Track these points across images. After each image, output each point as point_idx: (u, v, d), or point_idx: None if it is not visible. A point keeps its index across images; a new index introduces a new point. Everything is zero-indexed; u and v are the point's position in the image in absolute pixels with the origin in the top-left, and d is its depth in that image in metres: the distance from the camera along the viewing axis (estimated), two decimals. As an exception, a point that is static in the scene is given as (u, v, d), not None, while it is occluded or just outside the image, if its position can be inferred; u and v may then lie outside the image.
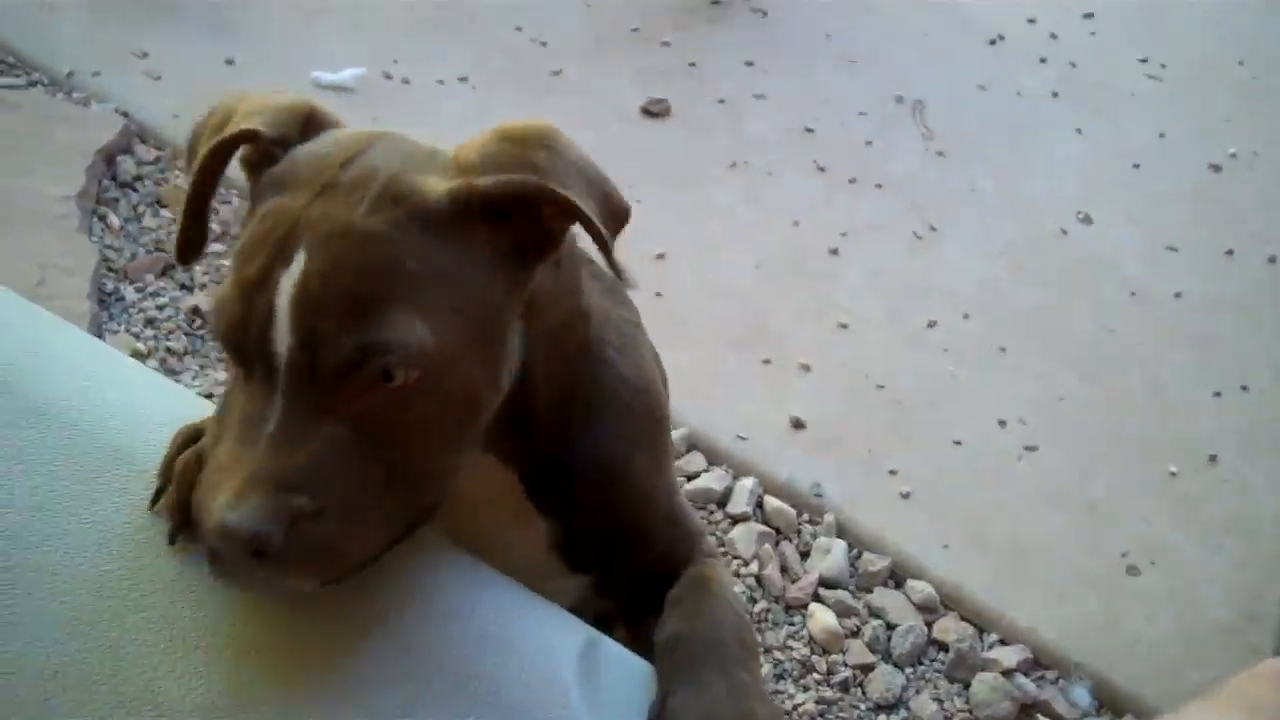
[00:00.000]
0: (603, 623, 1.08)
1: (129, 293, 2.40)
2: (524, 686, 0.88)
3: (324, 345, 0.80)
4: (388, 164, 0.86)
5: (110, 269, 2.44)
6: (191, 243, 0.95)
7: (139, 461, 0.95)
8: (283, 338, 0.80)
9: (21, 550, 0.89)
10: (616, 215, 0.91)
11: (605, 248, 0.88)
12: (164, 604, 0.88)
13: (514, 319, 0.91)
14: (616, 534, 1.10)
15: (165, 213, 2.58)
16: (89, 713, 0.82)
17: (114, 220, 2.54)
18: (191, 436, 0.95)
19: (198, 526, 0.82)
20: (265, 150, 0.90)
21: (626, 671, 0.95)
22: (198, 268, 2.48)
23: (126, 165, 2.65)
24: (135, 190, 2.62)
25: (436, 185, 0.85)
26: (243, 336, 0.82)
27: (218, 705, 0.84)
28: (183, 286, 2.45)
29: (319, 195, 0.84)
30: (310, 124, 0.92)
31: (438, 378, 0.83)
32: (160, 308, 2.39)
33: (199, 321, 2.37)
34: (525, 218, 0.87)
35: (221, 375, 2.28)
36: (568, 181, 0.85)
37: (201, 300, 2.40)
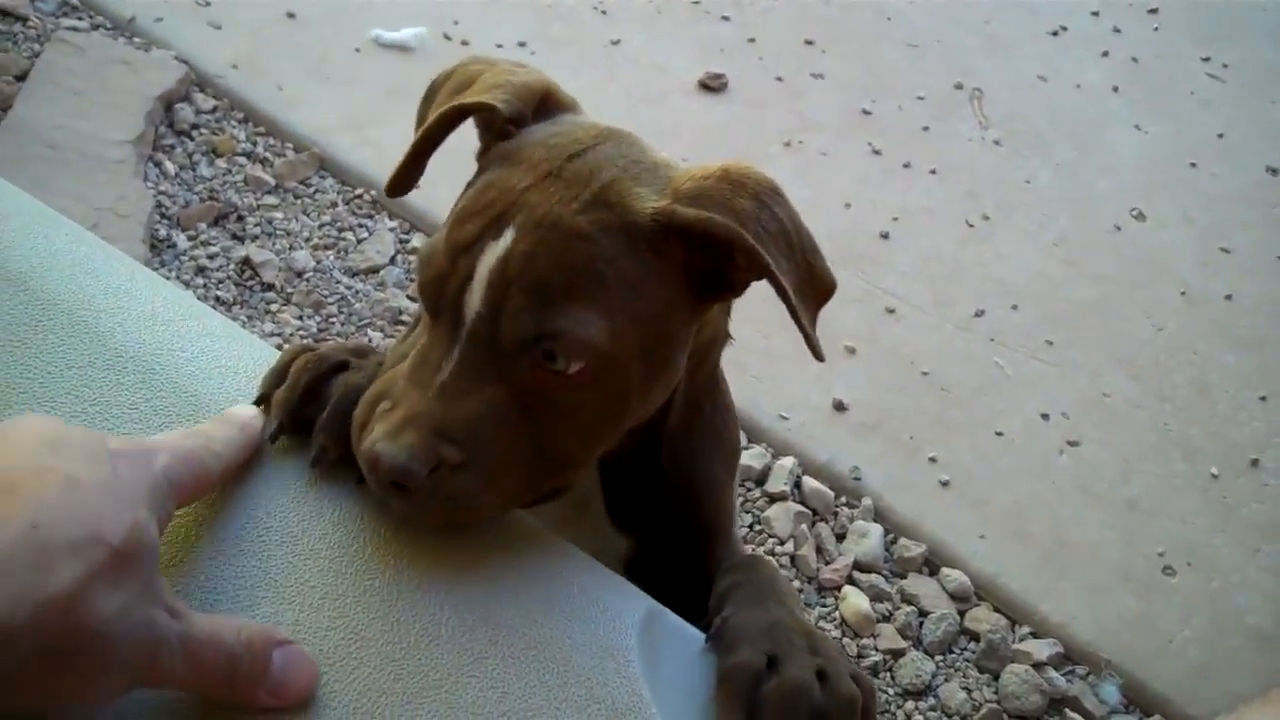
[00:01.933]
0: None
1: (181, 240, 2.42)
2: (588, 654, 0.89)
3: (507, 318, 0.85)
4: (610, 167, 0.89)
5: (164, 215, 2.46)
6: (403, 182, 1.00)
7: (214, 409, 0.96)
8: (474, 301, 0.86)
9: (94, 492, 0.90)
10: (818, 289, 0.96)
11: (795, 314, 0.90)
12: (231, 553, 0.89)
13: (683, 344, 0.95)
14: (684, 555, 1.13)
15: (220, 162, 2.59)
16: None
17: (169, 167, 2.55)
18: (302, 349, 0.98)
19: (356, 442, 0.88)
20: (500, 124, 0.94)
21: (685, 643, 0.96)
22: (249, 219, 2.49)
23: (184, 113, 2.66)
24: (191, 139, 2.64)
25: (646, 201, 0.88)
26: (440, 290, 0.88)
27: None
28: (234, 237, 2.46)
29: (541, 181, 0.88)
30: (545, 104, 0.97)
31: (599, 374, 0.87)
32: (211, 257, 2.41)
33: (249, 272, 2.39)
34: (717, 258, 0.89)
35: (269, 326, 2.30)
36: (765, 238, 0.88)
37: (251, 251, 2.41)
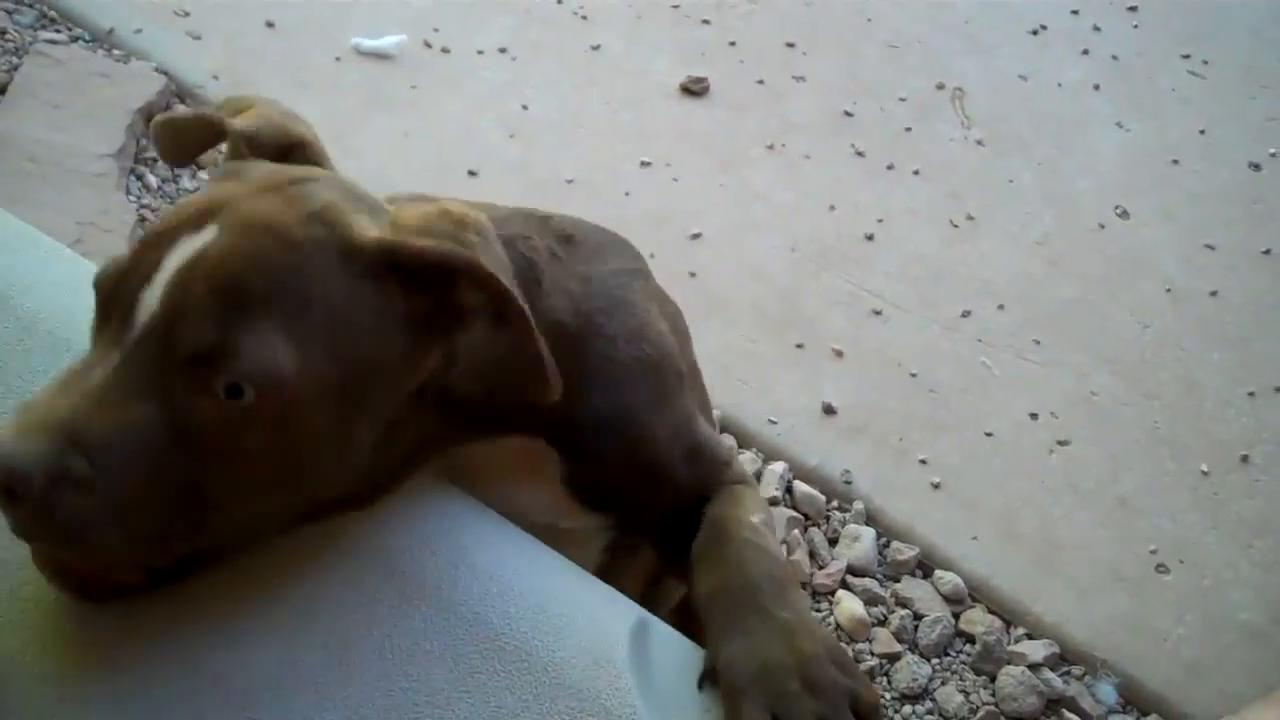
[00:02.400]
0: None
1: (164, 253, 2.40)
2: (579, 667, 0.88)
3: (187, 322, 0.77)
4: (333, 194, 0.86)
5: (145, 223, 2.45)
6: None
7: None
8: (151, 299, 0.78)
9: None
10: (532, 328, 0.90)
11: (530, 336, 0.87)
12: (221, 569, 0.88)
13: (393, 396, 0.88)
14: (629, 477, 1.09)
15: (202, 174, 2.58)
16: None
17: (151, 180, 2.54)
18: None
19: None
20: (237, 146, 0.93)
21: (676, 653, 0.95)
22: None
23: (165, 125, 2.64)
24: (172, 150, 2.62)
25: (368, 229, 0.85)
26: (117, 285, 0.80)
27: (276, 674, 0.84)
28: (218, 248, 2.44)
29: (260, 192, 0.84)
30: (294, 150, 0.96)
31: (281, 415, 0.79)
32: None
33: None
34: (438, 294, 0.86)
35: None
36: (496, 269, 0.85)
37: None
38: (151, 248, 0.80)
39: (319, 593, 0.88)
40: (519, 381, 0.89)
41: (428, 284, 0.85)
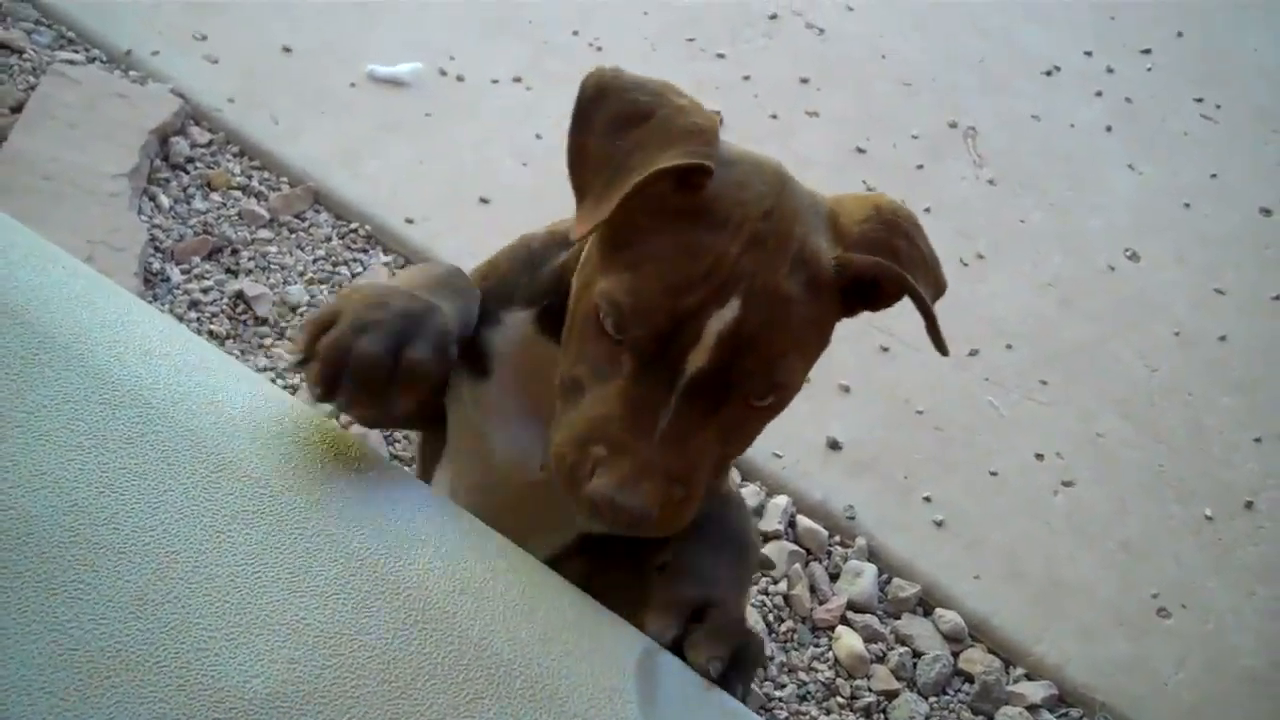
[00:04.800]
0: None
1: (175, 274, 2.41)
2: (586, 696, 0.88)
3: (742, 376, 1.00)
4: (797, 223, 1.02)
5: (157, 249, 2.45)
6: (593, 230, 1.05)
7: (211, 445, 0.96)
8: (699, 359, 0.98)
9: (89, 526, 0.89)
10: (940, 292, 1.12)
11: (933, 325, 1.08)
12: (228, 589, 0.88)
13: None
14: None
15: (215, 196, 2.59)
16: (150, 694, 0.82)
17: (164, 200, 2.54)
18: (329, 315, 1.04)
19: (570, 480, 1.01)
20: (697, 180, 1.01)
21: (682, 682, 0.95)
22: (244, 253, 2.48)
23: (180, 146, 2.66)
24: (186, 172, 2.63)
25: (828, 253, 1.03)
26: (660, 347, 0.99)
27: (280, 694, 0.84)
28: (228, 271, 2.45)
29: (749, 246, 0.99)
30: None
31: (788, 399, 1.05)
32: (205, 291, 2.40)
33: (242, 306, 2.38)
34: (874, 286, 1.06)
35: (262, 361, 2.29)
36: (918, 271, 1.06)
37: (245, 285, 2.40)
38: (688, 317, 0.98)
39: (324, 615, 0.88)
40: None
41: (865, 282, 1.06)
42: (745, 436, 1.08)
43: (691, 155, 1.00)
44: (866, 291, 1.07)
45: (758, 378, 1.00)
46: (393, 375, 1.01)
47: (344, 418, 1.15)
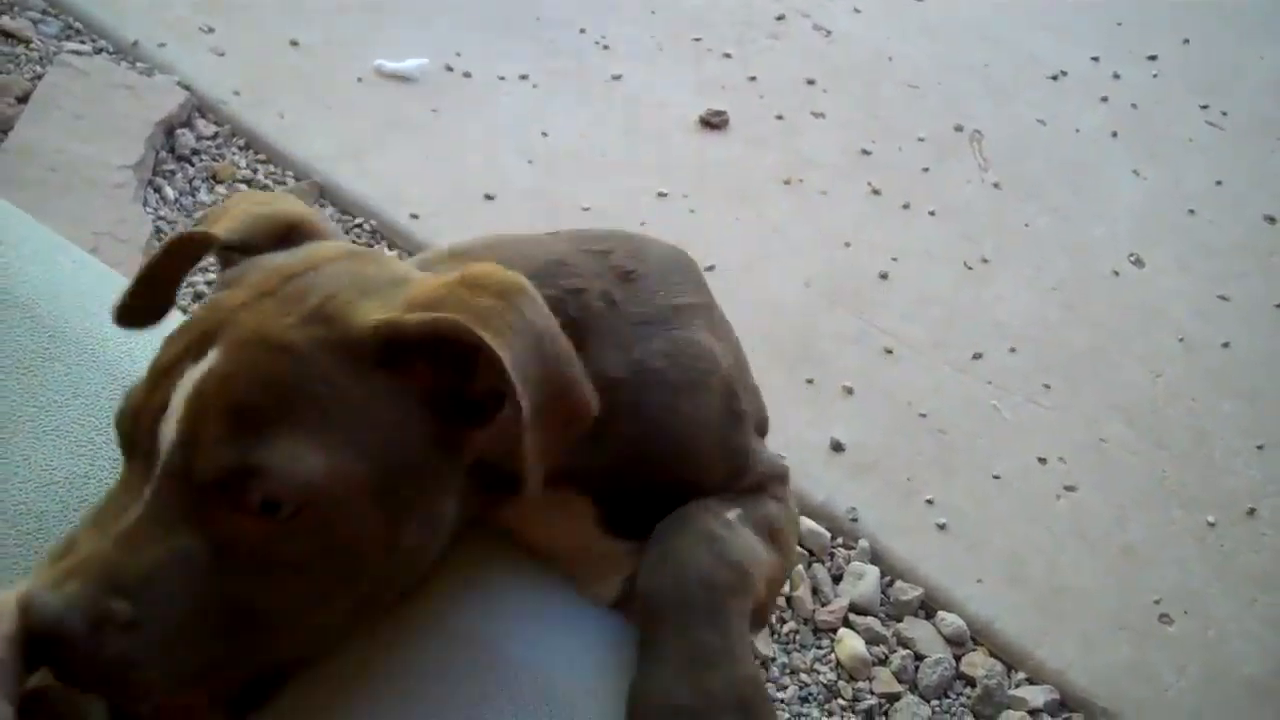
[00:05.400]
0: None
1: (179, 266, 2.40)
2: (599, 701, 0.89)
3: (201, 453, 0.75)
4: (335, 283, 0.82)
5: (162, 240, 2.45)
6: (133, 310, 0.93)
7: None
8: (168, 431, 0.76)
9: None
10: (567, 410, 0.82)
11: (520, 433, 0.77)
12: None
13: (441, 482, 0.85)
14: (664, 501, 1.03)
15: (220, 188, 2.59)
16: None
17: (169, 192, 2.54)
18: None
19: None
20: (227, 254, 0.90)
21: None
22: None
23: (185, 138, 2.66)
24: (192, 164, 2.63)
25: (369, 314, 0.79)
26: (134, 423, 0.79)
27: (291, 692, 0.84)
28: (233, 263, 2.45)
29: (255, 300, 0.80)
30: (292, 234, 0.91)
31: (321, 521, 0.77)
32: (209, 283, 2.39)
33: (248, 299, 2.38)
34: (462, 373, 0.81)
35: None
36: (509, 340, 0.78)
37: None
38: (160, 380, 0.78)
39: (411, 685, 0.87)
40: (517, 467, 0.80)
41: (445, 363, 0.80)
42: (273, 574, 0.77)
43: (217, 230, 0.90)
44: (456, 380, 0.81)
45: (225, 450, 0.75)
46: None
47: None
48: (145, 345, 1.02)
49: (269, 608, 0.77)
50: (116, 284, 1.11)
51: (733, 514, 1.02)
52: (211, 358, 0.77)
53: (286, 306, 0.79)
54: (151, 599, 0.73)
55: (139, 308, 0.92)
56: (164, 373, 0.78)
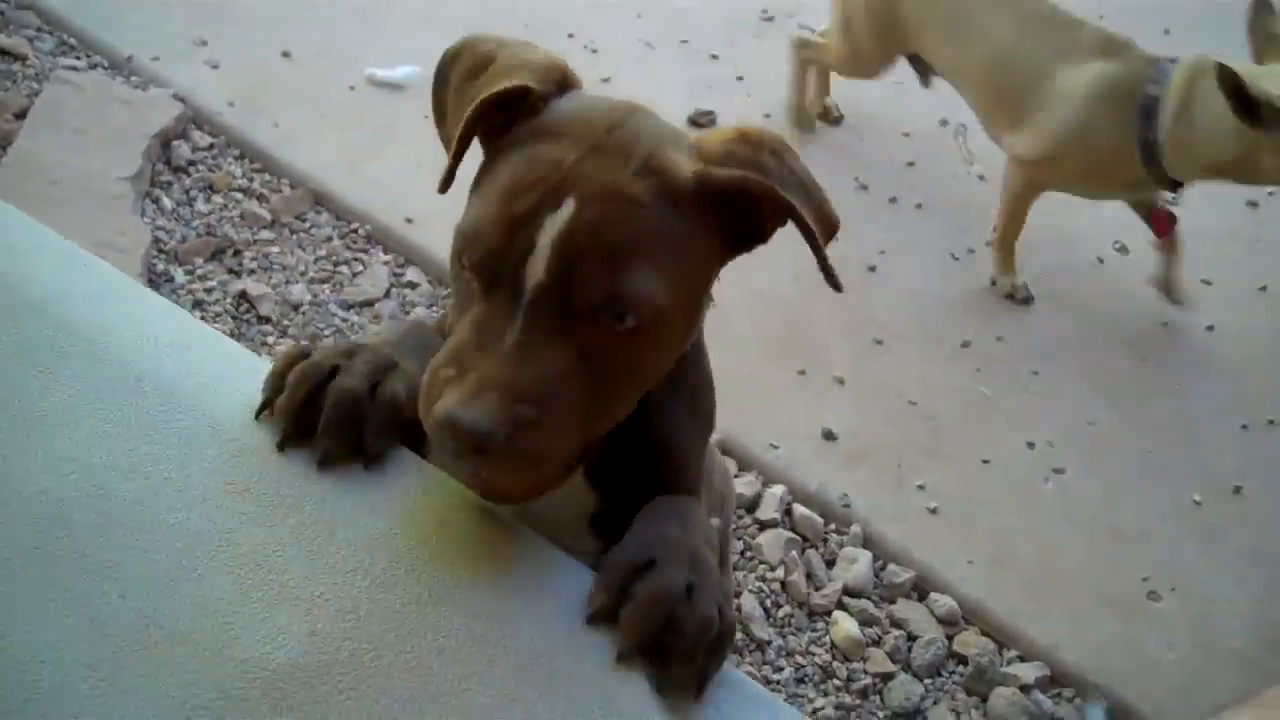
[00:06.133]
0: None
1: (178, 274, 2.45)
2: (598, 673, 0.93)
3: (580, 284, 0.91)
4: (647, 137, 0.97)
5: (161, 250, 2.50)
6: (452, 176, 1.05)
7: (230, 433, 1.00)
8: (536, 269, 0.91)
9: (117, 509, 0.94)
10: (828, 225, 1.04)
11: (818, 249, 1.01)
12: (250, 566, 0.93)
13: (709, 294, 1.05)
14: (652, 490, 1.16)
15: (217, 198, 2.63)
16: (177, 665, 0.87)
17: (166, 203, 2.59)
18: (298, 354, 1.03)
19: (425, 411, 0.93)
20: (532, 103, 1.00)
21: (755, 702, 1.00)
22: (246, 253, 2.53)
23: (181, 150, 2.71)
24: (189, 175, 2.68)
25: (686, 165, 0.97)
26: (499, 262, 0.93)
27: (300, 665, 0.88)
28: (231, 271, 2.50)
29: (589, 153, 0.95)
30: (565, 83, 1.03)
31: (657, 327, 0.96)
32: (209, 290, 2.44)
33: (245, 305, 2.42)
34: (747, 210, 0.99)
35: (265, 359, 2.32)
36: (789, 188, 0.98)
37: (249, 285, 2.44)
38: (518, 228, 0.92)
39: (343, 591, 0.93)
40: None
41: (736, 205, 0.98)
42: (619, 369, 0.96)
43: (521, 81, 0.99)
44: (743, 217, 1.00)
45: (602, 287, 0.92)
46: (369, 412, 1.00)
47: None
48: (156, 343, 1.06)
49: (618, 389, 0.98)
50: (123, 284, 1.15)
51: (710, 521, 1.18)
52: (568, 209, 0.92)
53: (620, 161, 0.95)
54: (547, 402, 0.91)
55: (453, 174, 1.06)
56: (522, 221, 0.92)
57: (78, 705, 0.84)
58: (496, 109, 1.01)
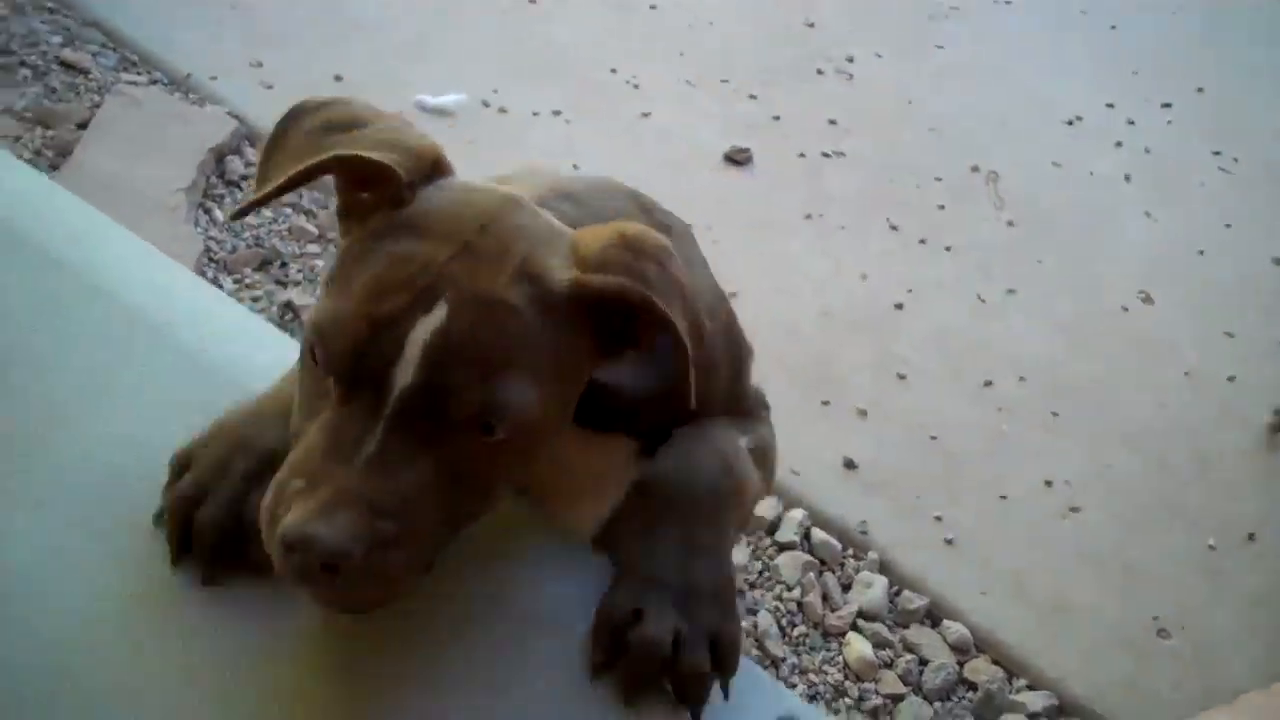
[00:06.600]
0: None
1: (227, 283, 2.54)
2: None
3: (451, 394, 0.87)
4: (522, 238, 0.94)
5: (211, 259, 2.59)
6: (254, 207, 1.02)
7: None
8: (404, 375, 0.87)
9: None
10: (698, 336, 0.98)
11: (685, 363, 0.94)
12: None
13: (577, 398, 1.00)
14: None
15: (266, 212, 2.72)
16: (219, 624, 0.96)
17: (218, 215, 2.68)
18: (184, 461, 1.01)
19: (269, 529, 0.87)
20: (394, 190, 0.95)
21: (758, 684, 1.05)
22: (292, 265, 2.61)
23: (234, 165, 2.80)
24: (240, 189, 2.77)
25: (562, 272, 0.93)
26: (360, 364, 0.88)
27: (331, 630, 0.96)
28: (278, 282, 2.58)
29: (461, 253, 0.91)
30: (437, 169, 0.98)
31: (527, 438, 0.92)
32: (255, 300, 2.52)
33: (290, 315, 2.50)
34: (624, 317, 0.95)
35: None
36: (669, 299, 0.94)
37: (294, 295, 2.52)
38: (387, 328, 0.88)
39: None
40: (672, 392, 0.98)
41: (611, 311, 0.95)
42: (482, 478, 0.93)
43: (393, 163, 0.94)
44: (619, 323, 0.96)
45: (473, 397, 0.88)
46: (245, 532, 0.95)
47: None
48: (215, 333, 1.14)
49: (478, 496, 0.94)
50: (186, 278, 1.24)
51: (743, 440, 1.15)
52: (440, 313, 0.88)
53: (494, 264, 0.91)
54: (408, 517, 0.86)
55: (252, 209, 1.03)
56: (390, 322, 0.88)
57: (126, 660, 0.92)
58: (355, 184, 0.98)
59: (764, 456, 1.19)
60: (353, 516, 0.83)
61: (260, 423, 1.02)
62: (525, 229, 0.95)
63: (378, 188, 0.96)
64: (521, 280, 0.91)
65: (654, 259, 0.96)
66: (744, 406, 1.26)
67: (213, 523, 0.96)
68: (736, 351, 1.29)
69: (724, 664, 0.96)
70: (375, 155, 0.93)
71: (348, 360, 0.88)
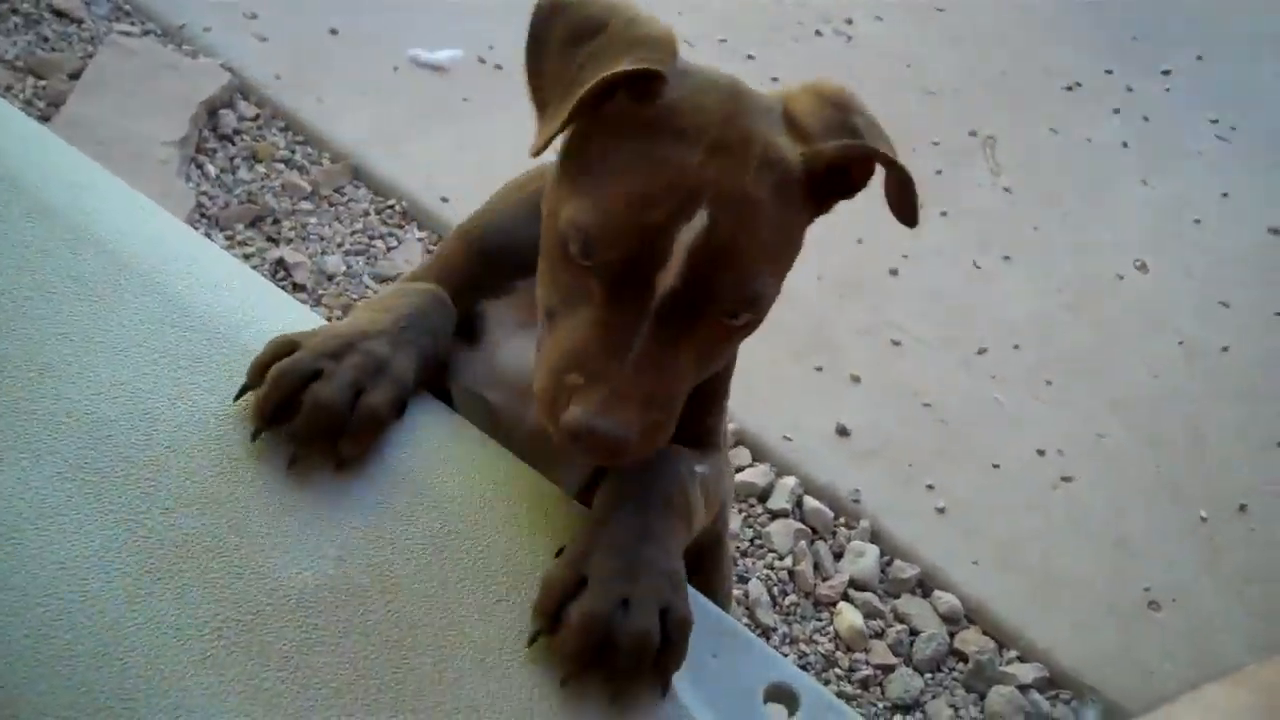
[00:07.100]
0: None
1: (219, 239, 2.51)
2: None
3: (712, 292, 0.96)
4: (757, 125, 1.00)
5: (203, 215, 2.56)
6: (548, 144, 1.02)
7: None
8: (669, 277, 0.95)
9: (161, 431, 1.00)
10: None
11: (909, 188, 1.06)
12: (283, 494, 0.99)
13: None
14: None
15: (259, 167, 2.69)
16: (211, 579, 0.93)
17: (210, 169, 2.65)
18: (286, 346, 1.03)
19: (549, 411, 0.97)
20: (640, 87, 0.99)
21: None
22: (285, 222, 2.59)
23: (228, 119, 2.77)
24: (233, 143, 2.74)
25: (792, 150, 1.00)
26: (629, 269, 0.96)
27: (326, 586, 0.94)
28: (269, 239, 2.56)
29: (712, 154, 0.97)
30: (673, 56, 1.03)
31: (763, 315, 1.02)
32: (247, 256, 2.50)
33: (282, 273, 2.48)
34: (841, 172, 1.04)
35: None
36: (880, 142, 1.04)
37: (286, 253, 2.50)
38: (652, 235, 0.95)
39: (367, 521, 1.00)
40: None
41: (832, 170, 1.02)
42: (720, 357, 1.05)
43: (643, 63, 0.97)
44: (836, 181, 1.04)
45: (732, 293, 0.97)
46: (347, 423, 1.00)
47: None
48: (205, 282, 1.12)
49: (711, 370, 1.06)
50: (180, 231, 1.22)
51: (700, 468, 1.16)
52: (702, 219, 0.95)
53: (741, 160, 0.97)
54: (672, 404, 0.99)
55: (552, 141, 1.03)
56: (657, 229, 0.95)
57: (116, 612, 0.90)
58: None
59: (712, 488, 1.21)
60: (632, 410, 0.94)
61: (369, 338, 1.06)
62: (755, 112, 1.01)
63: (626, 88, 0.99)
64: (764, 169, 0.98)
65: (856, 109, 1.05)
66: (711, 440, 1.29)
67: (329, 402, 0.99)
68: (722, 388, 1.30)
69: (672, 641, 0.96)
70: (627, 63, 0.97)
71: (620, 267, 0.96)
